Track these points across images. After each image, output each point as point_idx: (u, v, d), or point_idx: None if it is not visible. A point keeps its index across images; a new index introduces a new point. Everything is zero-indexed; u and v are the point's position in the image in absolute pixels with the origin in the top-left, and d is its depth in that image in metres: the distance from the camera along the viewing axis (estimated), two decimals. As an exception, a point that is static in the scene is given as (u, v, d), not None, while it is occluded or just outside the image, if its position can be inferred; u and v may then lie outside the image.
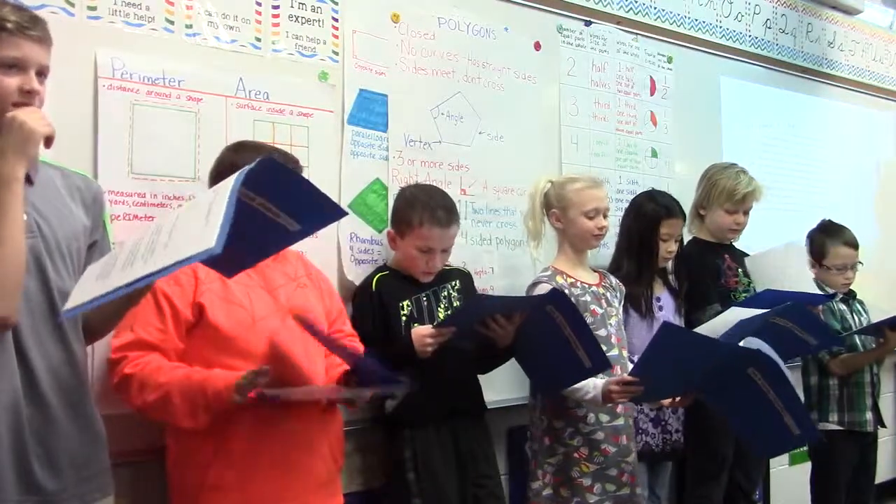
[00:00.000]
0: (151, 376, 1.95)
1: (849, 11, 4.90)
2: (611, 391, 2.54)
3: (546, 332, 2.44)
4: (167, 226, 1.54)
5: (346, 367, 2.19)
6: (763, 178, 3.45)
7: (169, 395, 1.93)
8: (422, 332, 2.40)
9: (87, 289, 1.58)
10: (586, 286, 2.79)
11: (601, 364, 2.46)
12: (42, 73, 1.72)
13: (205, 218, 1.44)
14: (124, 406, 2.05)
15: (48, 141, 1.67)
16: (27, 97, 1.67)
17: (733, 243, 3.41)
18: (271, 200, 1.63)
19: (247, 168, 1.50)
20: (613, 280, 2.93)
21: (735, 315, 2.70)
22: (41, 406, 1.70)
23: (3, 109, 1.65)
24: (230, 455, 2.01)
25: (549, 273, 2.79)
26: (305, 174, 2.56)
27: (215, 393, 1.92)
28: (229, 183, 1.48)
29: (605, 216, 2.80)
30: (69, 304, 1.56)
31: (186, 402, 1.93)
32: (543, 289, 2.68)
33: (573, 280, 2.77)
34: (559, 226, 2.84)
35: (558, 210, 2.82)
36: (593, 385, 2.59)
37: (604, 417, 2.71)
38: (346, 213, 1.77)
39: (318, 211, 1.70)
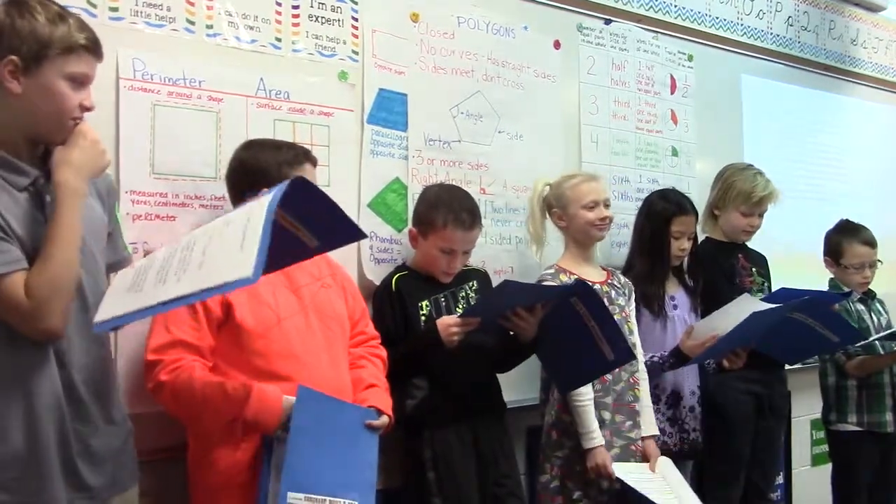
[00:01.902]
0: (185, 388, 1.96)
1: (872, 9, 4.86)
2: (595, 465, 2.63)
3: (569, 324, 2.44)
4: (200, 242, 1.56)
5: (373, 384, 2.24)
6: (785, 177, 3.43)
7: (201, 415, 1.98)
8: (447, 322, 2.40)
9: (118, 302, 1.60)
10: (589, 283, 2.77)
11: (624, 356, 2.48)
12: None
13: (240, 243, 1.48)
14: (150, 405, 2.07)
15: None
16: (83, 112, 1.72)
17: (746, 244, 3.39)
18: (296, 218, 1.66)
19: (280, 192, 1.53)
20: (622, 278, 2.94)
21: (748, 304, 2.69)
22: (79, 405, 1.72)
23: (63, 123, 1.69)
24: (251, 455, 2.02)
25: (552, 271, 2.80)
26: (326, 173, 2.58)
27: (253, 424, 1.97)
28: (264, 206, 1.51)
29: (606, 207, 2.80)
30: (100, 317, 1.59)
31: (219, 421, 1.98)
32: None
33: (577, 278, 2.77)
34: (562, 224, 2.85)
35: (559, 209, 2.83)
36: (599, 441, 2.64)
37: (605, 415, 2.73)
38: (365, 236, 1.82)
39: (338, 231, 1.74)
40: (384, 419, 2.18)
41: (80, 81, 1.70)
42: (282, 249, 1.69)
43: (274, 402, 1.97)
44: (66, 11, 1.71)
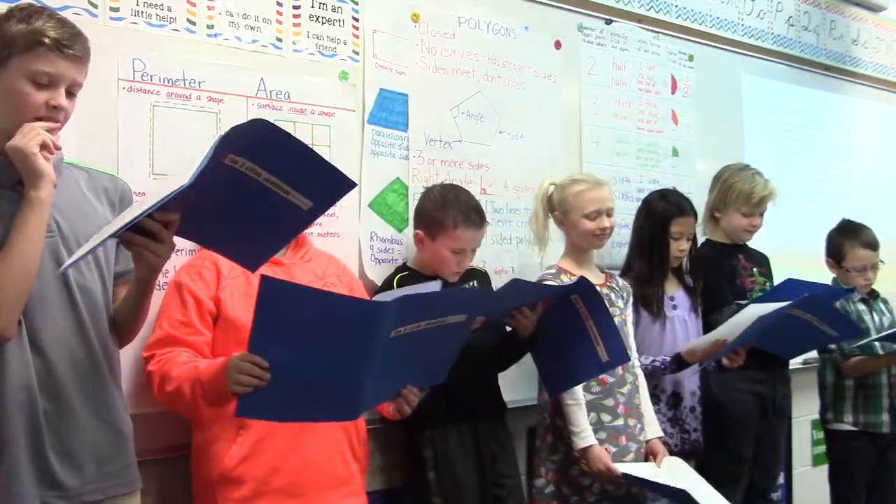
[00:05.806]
0: (168, 371, 1.99)
1: (873, 8, 4.85)
2: (599, 470, 2.58)
3: (567, 322, 2.43)
4: (162, 185, 1.61)
5: None
6: (785, 177, 3.43)
7: (180, 388, 1.95)
8: None
9: (83, 247, 1.63)
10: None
11: (619, 358, 2.46)
12: (73, 90, 1.73)
13: (187, 170, 1.50)
14: (151, 405, 2.09)
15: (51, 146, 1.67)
16: (52, 112, 1.69)
17: (747, 243, 3.40)
18: (277, 174, 1.62)
19: (234, 126, 1.53)
20: (620, 281, 2.94)
21: (753, 311, 2.70)
22: (60, 402, 1.71)
23: (26, 122, 1.66)
24: (247, 448, 2.05)
25: (553, 271, 2.79)
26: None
27: (213, 393, 1.87)
28: (216, 139, 1.53)
29: (608, 215, 2.78)
30: (66, 263, 1.63)
31: (195, 393, 1.92)
32: None
33: (576, 279, 2.76)
34: (563, 228, 2.84)
35: (560, 213, 2.82)
36: (591, 440, 2.61)
37: (605, 417, 2.71)
38: (354, 185, 1.70)
39: (326, 183, 1.67)
40: None
41: (47, 80, 1.67)
42: (277, 218, 1.68)
43: (218, 362, 1.84)
44: (39, 9, 1.71)
